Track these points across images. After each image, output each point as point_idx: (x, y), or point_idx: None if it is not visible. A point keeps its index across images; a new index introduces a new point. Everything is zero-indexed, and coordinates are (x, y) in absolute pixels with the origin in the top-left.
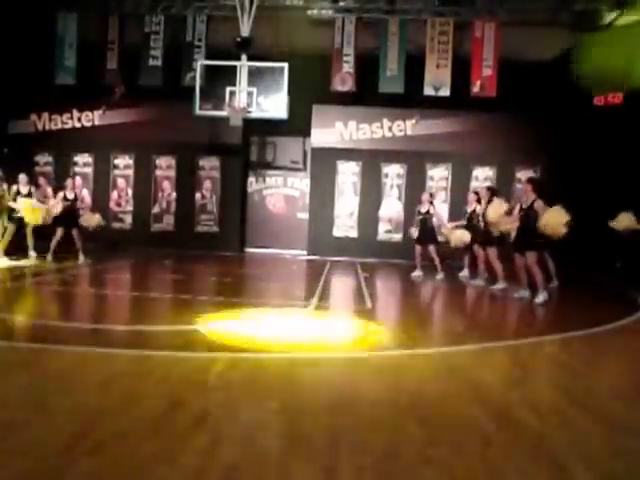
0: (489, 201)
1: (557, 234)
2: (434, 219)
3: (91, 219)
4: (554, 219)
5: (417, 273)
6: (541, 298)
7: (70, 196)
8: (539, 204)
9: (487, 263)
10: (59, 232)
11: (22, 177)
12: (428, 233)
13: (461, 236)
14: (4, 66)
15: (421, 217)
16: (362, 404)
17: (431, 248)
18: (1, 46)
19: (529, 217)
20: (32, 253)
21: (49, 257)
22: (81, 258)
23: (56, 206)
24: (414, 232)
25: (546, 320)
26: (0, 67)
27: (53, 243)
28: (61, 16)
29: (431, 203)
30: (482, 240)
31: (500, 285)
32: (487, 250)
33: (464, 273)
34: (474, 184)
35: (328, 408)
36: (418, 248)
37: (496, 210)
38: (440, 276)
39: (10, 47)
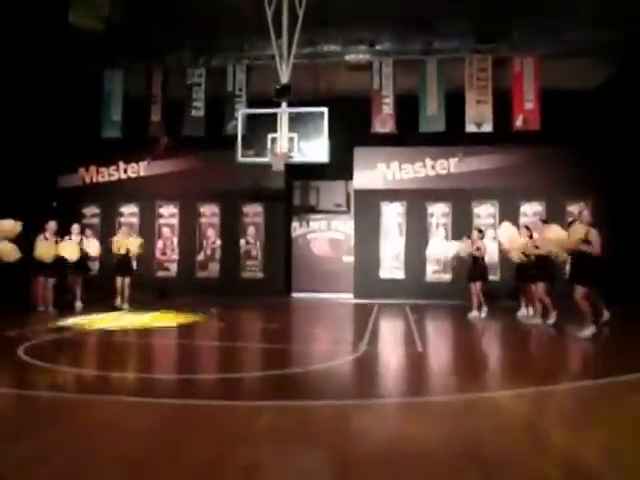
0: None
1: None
2: (485, 255)
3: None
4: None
5: (474, 313)
6: (587, 333)
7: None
8: (593, 234)
9: (540, 299)
10: (118, 281)
11: (75, 227)
12: (479, 270)
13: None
14: (54, 123)
15: (472, 255)
16: (416, 454)
17: (477, 285)
18: (51, 105)
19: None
20: (78, 304)
21: (118, 303)
22: (125, 305)
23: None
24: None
25: (609, 359)
26: (50, 124)
27: (118, 291)
28: (107, 73)
29: (481, 239)
30: (532, 275)
31: (552, 319)
32: (537, 285)
33: (522, 312)
34: (523, 220)
35: (380, 458)
36: (471, 286)
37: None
38: (474, 314)
39: (60, 105)
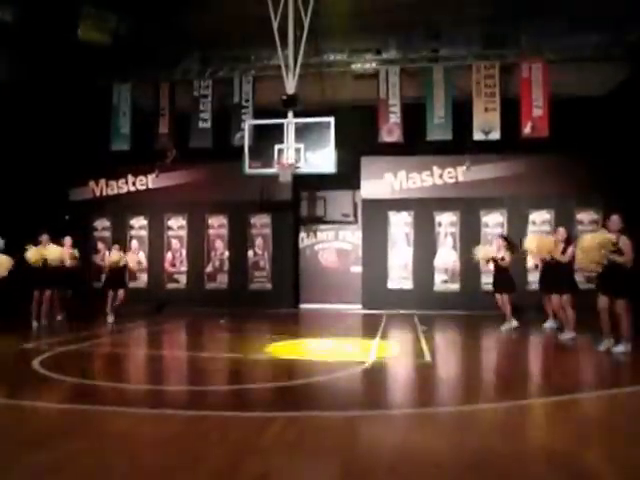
0: (567, 242)
1: None
2: (510, 264)
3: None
4: None
5: (514, 323)
6: (622, 348)
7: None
8: (624, 241)
9: (561, 310)
10: (110, 294)
11: (67, 240)
12: (503, 280)
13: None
14: (65, 138)
15: (496, 263)
16: (425, 464)
17: (504, 297)
18: (61, 120)
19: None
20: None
21: (109, 318)
22: (110, 318)
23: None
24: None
25: (626, 370)
26: (61, 139)
27: (108, 305)
28: (116, 87)
29: (506, 247)
30: (560, 285)
31: (569, 335)
32: (563, 296)
33: (550, 324)
34: (531, 228)
35: (390, 469)
36: (498, 297)
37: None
38: (510, 325)
39: (69, 120)
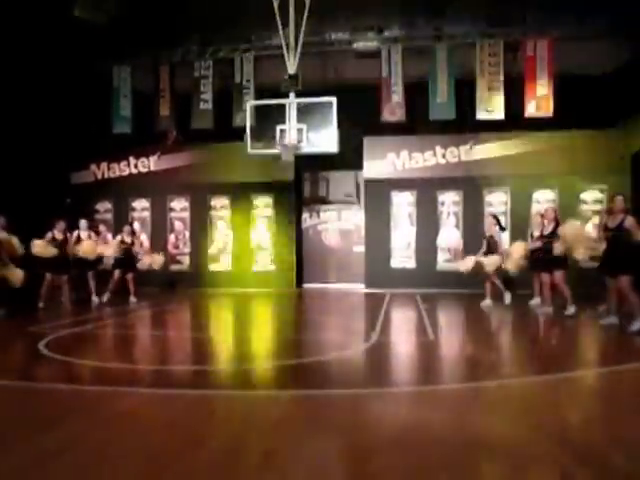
0: (555, 221)
1: None
2: (499, 242)
3: (154, 260)
4: None
5: (487, 302)
6: (637, 326)
7: (127, 240)
8: (630, 221)
9: (555, 287)
10: (117, 274)
11: (83, 223)
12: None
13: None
14: (65, 121)
15: (488, 241)
16: (429, 441)
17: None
18: (61, 104)
19: (619, 237)
20: (95, 298)
21: (105, 297)
22: (132, 300)
23: (112, 247)
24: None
25: (630, 347)
26: (61, 122)
27: (111, 285)
28: (116, 69)
29: (496, 225)
30: (549, 264)
31: (571, 310)
32: (555, 273)
33: (535, 301)
34: (535, 207)
35: (394, 446)
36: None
37: (575, 230)
38: (486, 302)
39: (69, 103)
